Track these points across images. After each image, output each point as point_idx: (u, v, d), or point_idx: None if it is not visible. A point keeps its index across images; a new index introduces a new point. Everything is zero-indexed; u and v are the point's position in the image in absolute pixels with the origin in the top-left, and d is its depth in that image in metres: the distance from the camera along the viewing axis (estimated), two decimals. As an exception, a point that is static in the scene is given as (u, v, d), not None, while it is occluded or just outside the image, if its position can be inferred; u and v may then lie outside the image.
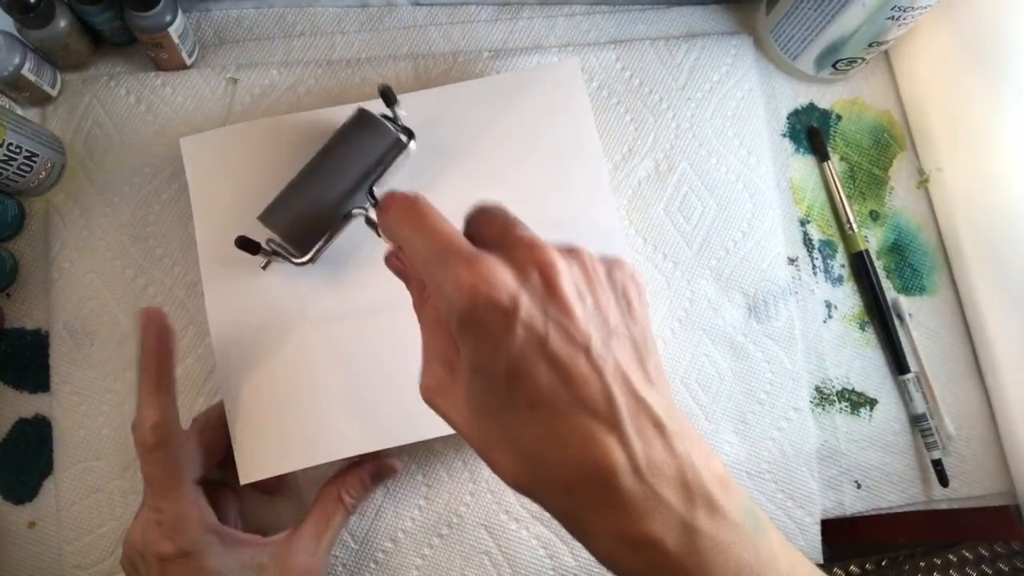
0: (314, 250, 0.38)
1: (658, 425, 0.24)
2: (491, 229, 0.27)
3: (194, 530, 0.33)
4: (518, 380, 0.24)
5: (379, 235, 0.32)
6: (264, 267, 0.40)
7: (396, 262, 0.29)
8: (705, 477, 0.24)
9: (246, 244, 0.38)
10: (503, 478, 0.25)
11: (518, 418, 0.24)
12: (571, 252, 0.26)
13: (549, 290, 0.24)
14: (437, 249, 0.25)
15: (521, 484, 0.25)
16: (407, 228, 0.26)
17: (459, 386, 0.26)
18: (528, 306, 0.23)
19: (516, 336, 0.23)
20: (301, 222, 0.38)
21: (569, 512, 0.25)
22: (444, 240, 0.25)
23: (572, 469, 0.23)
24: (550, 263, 0.24)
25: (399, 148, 0.40)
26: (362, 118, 0.40)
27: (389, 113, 0.40)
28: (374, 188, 0.39)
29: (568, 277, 0.24)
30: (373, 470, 0.40)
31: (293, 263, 0.38)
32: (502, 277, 0.23)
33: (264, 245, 0.38)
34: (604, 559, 0.25)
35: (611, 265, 0.26)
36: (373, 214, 0.34)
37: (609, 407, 0.23)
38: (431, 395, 0.28)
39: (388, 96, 0.40)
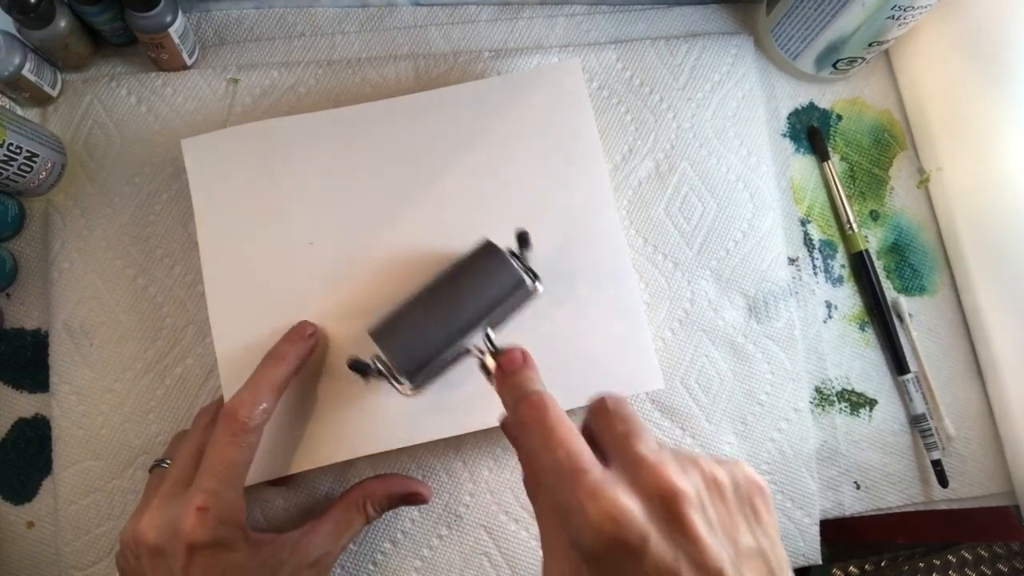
0: (421, 382, 0.37)
1: None
2: (612, 435, 0.27)
3: (236, 522, 0.34)
4: None
5: (491, 383, 0.32)
6: (367, 382, 0.39)
7: (512, 432, 0.30)
8: None
9: (357, 366, 0.36)
10: None
11: None
12: (692, 464, 0.25)
13: (677, 522, 0.23)
14: (562, 467, 0.25)
15: None
16: (534, 433, 0.26)
17: None
18: (657, 541, 0.23)
19: (641, 570, 0.23)
20: (416, 351, 0.35)
21: None
22: (569, 457, 0.25)
23: None
24: (677, 492, 0.23)
25: (526, 293, 0.38)
26: (489, 252, 0.37)
27: (516, 251, 0.38)
28: (491, 331, 0.35)
29: (696, 503, 0.24)
30: (403, 494, 0.40)
31: (397, 390, 0.36)
32: (630, 514, 0.23)
33: (371, 362, 0.36)
34: None
35: (733, 472, 0.26)
36: (489, 360, 0.32)
37: None
38: None
39: (524, 240, 0.37)
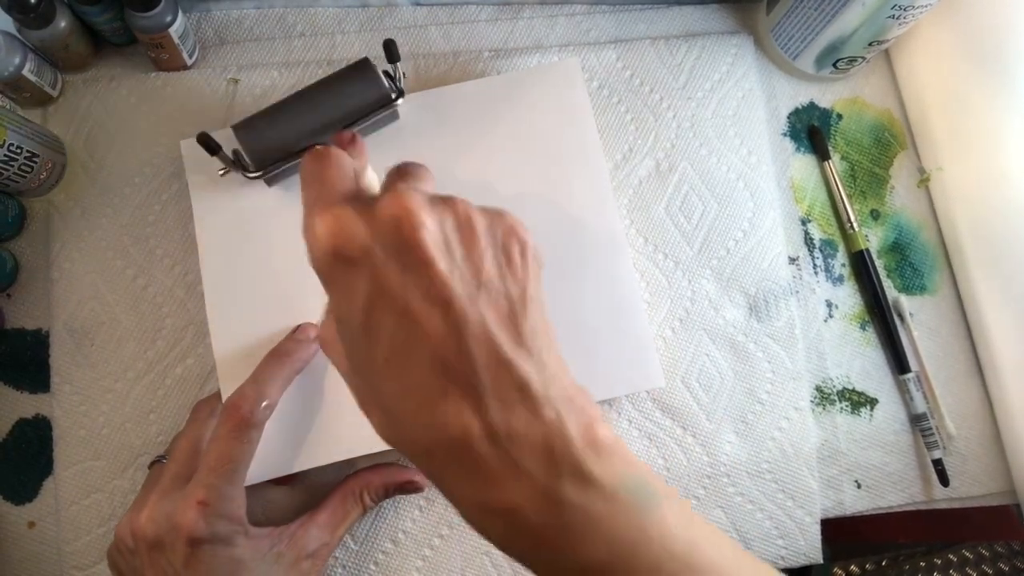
0: (268, 171, 0.39)
1: (523, 389, 0.22)
2: (387, 180, 0.27)
3: (235, 517, 0.34)
4: (370, 333, 0.23)
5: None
6: (222, 174, 0.40)
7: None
8: (577, 446, 0.22)
9: (206, 142, 0.38)
10: (377, 434, 0.25)
11: (376, 372, 0.23)
12: (445, 201, 0.24)
13: (407, 246, 0.22)
14: (313, 196, 0.25)
15: (390, 442, 0.24)
16: (307, 176, 0.26)
17: (342, 339, 0.25)
18: (381, 257, 0.22)
19: (363, 287, 0.22)
20: (267, 141, 0.38)
21: (432, 475, 0.24)
22: (322, 189, 0.25)
23: (427, 431, 0.22)
24: (408, 211, 0.23)
25: (386, 104, 0.39)
26: (361, 65, 0.40)
27: (390, 70, 0.40)
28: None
29: (431, 227, 0.23)
30: (399, 482, 0.40)
31: (246, 176, 0.39)
32: (353, 227, 0.23)
33: (227, 152, 0.39)
34: (470, 524, 0.24)
35: (492, 217, 0.25)
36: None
37: (465, 367, 0.22)
38: (324, 346, 0.27)
39: (391, 51, 0.39)
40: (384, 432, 0.24)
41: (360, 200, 0.24)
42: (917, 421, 0.46)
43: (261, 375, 0.36)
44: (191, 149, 0.41)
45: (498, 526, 0.23)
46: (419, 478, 0.41)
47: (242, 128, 0.39)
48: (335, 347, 0.26)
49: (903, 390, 0.47)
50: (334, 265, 0.23)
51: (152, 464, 0.39)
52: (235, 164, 0.40)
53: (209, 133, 0.38)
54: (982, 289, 0.47)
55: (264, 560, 0.34)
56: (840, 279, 0.48)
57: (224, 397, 0.38)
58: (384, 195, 0.24)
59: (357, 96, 0.39)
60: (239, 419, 0.34)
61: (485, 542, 0.41)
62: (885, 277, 0.49)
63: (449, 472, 0.23)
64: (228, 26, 0.48)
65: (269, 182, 0.40)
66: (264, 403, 0.35)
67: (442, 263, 0.22)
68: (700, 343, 0.45)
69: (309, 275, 0.40)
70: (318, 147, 0.27)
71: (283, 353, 0.37)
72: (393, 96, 0.40)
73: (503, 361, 0.22)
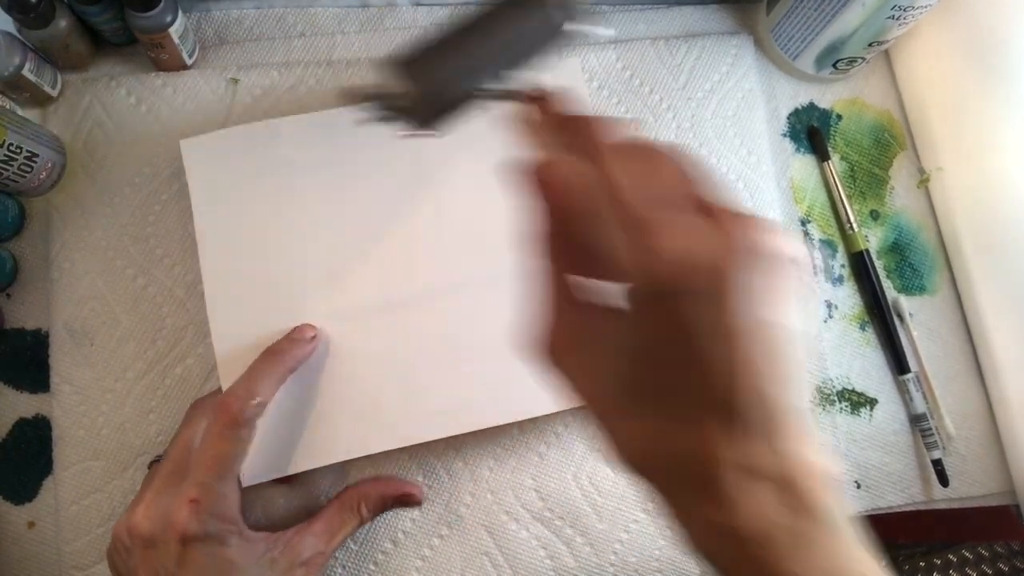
0: (442, 117, 0.31)
1: (771, 421, 0.22)
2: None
3: (228, 517, 0.34)
4: (659, 359, 0.22)
5: (512, 130, 0.26)
6: (402, 135, 0.31)
7: (544, 175, 0.23)
8: (813, 478, 0.22)
9: (376, 94, 0.30)
10: (616, 453, 0.24)
11: (643, 396, 0.23)
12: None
13: (765, 276, 0.21)
14: (650, 196, 0.21)
15: (624, 458, 0.24)
16: (590, 150, 0.22)
17: (599, 355, 0.23)
18: (733, 284, 0.20)
19: (693, 316, 0.21)
20: (445, 81, 0.30)
21: (665, 493, 0.24)
22: (661, 186, 0.21)
23: (672, 456, 0.23)
24: (765, 241, 0.21)
25: (560, 37, 0.31)
26: None
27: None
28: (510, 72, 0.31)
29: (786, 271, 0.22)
30: (396, 495, 0.41)
31: (418, 129, 0.31)
32: (708, 244, 0.20)
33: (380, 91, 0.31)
34: (696, 544, 0.24)
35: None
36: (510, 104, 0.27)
37: (730, 400, 0.22)
38: (559, 354, 0.25)
39: None
40: (622, 449, 0.24)
41: (703, 210, 0.21)
42: (917, 421, 0.46)
43: (253, 373, 0.36)
44: (191, 149, 0.41)
45: (727, 549, 0.23)
46: (416, 491, 0.41)
47: (412, 65, 0.30)
48: (576, 359, 0.24)
49: (903, 390, 0.47)
50: (676, 284, 0.20)
51: (151, 464, 0.39)
52: (395, 110, 0.31)
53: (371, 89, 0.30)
54: (982, 289, 0.47)
55: (258, 564, 0.34)
56: (840, 280, 0.48)
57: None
58: (726, 211, 0.21)
59: (526, 23, 0.31)
60: (229, 417, 0.34)
61: (485, 542, 0.42)
62: (885, 278, 0.49)
63: (685, 494, 0.23)
64: (228, 26, 0.48)
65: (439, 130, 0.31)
66: (255, 401, 0.35)
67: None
68: (700, 343, 0.45)
69: (309, 274, 0.40)
70: (575, 109, 0.23)
71: (277, 352, 0.38)
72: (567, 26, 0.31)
73: (764, 397, 0.22)
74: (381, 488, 0.40)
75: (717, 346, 0.21)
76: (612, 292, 0.23)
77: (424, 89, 0.30)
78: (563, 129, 0.24)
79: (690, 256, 0.20)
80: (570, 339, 0.24)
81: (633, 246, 0.20)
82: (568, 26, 0.32)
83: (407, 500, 0.41)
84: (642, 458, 0.24)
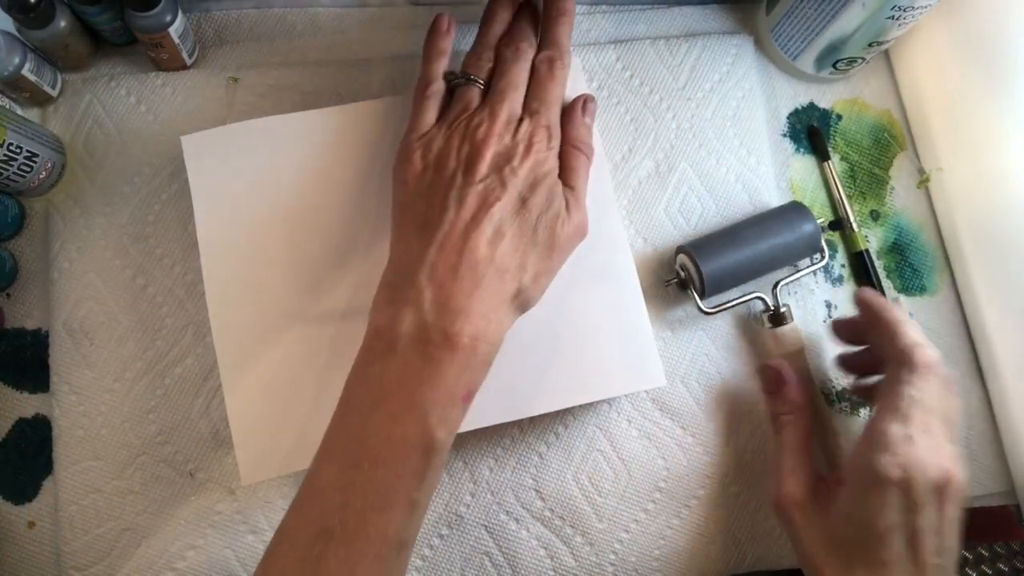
0: (717, 304, 0.44)
1: None
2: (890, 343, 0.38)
3: None
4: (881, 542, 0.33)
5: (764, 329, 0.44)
6: (667, 285, 0.44)
7: (782, 375, 0.42)
8: None
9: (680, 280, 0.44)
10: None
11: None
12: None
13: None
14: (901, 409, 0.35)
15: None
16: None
17: (823, 515, 0.36)
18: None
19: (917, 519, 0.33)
20: (724, 269, 0.42)
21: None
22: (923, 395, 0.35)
23: None
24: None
25: (815, 256, 0.46)
26: (796, 207, 0.44)
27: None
28: (780, 283, 0.44)
29: None
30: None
31: (697, 304, 0.43)
32: (936, 462, 0.33)
33: (679, 271, 0.44)
34: None
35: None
36: (769, 302, 0.44)
37: None
38: (791, 506, 0.37)
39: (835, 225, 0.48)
40: None
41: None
42: (917, 421, 0.46)
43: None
44: (192, 144, 0.41)
45: None
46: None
47: (700, 252, 0.42)
48: (804, 514, 0.37)
49: (903, 390, 0.47)
50: (912, 495, 0.33)
51: (455, 83, 0.40)
52: (684, 284, 0.44)
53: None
54: (982, 289, 0.47)
55: None
56: (840, 280, 0.48)
57: (226, 397, 0.38)
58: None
59: (794, 235, 0.43)
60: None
61: (485, 542, 0.42)
62: (885, 278, 0.49)
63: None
64: (228, 26, 0.48)
65: (711, 311, 0.44)
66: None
67: None
68: (700, 343, 0.45)
69: (311, 273, 0.40)
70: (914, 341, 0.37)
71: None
72: (821, 256, 0.45)
73: None
74: None
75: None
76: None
77: (708, 274, 0.42)
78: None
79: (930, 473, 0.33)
80: (801, 495, 0.37)
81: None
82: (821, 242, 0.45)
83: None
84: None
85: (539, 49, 0.40)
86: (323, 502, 0.30)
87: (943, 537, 0.33)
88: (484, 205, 0.33)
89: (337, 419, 0.32)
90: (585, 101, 0.40)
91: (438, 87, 0.39)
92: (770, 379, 0.42)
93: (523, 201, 0.34)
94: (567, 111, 0.40)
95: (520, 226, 0.34)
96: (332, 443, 0.32)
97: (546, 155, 0.36)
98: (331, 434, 0.32)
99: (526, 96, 0.38)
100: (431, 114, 0.38)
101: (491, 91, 0.38)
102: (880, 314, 0.38)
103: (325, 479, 0.31)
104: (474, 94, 0.38)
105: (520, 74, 0.38)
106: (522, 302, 0.35)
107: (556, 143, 0.37)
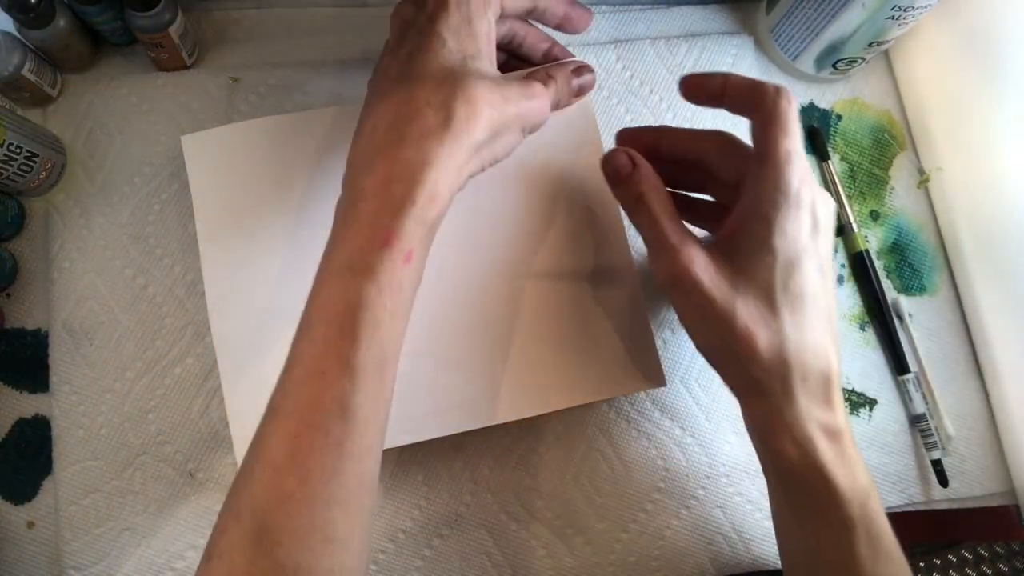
0: None
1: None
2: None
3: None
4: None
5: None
6: None
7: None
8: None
9: None
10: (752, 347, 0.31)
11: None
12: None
13: None
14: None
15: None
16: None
17: (728, 268, 0.32)
18: None
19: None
20: None
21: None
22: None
23: None
24: None
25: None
26: None
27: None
28: None
29: None
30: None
31: None
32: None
33: None
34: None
35: None
36: None
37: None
38: (696, 272, 0.32)
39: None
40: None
41: None
42: (916, 422, 0.46)
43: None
44: (192, 144, 0.41)
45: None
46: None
47: None
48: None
49: (902, 391, 0.47)
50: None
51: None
52: None
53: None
54: (981, 289, 0.47)
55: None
56: (839, 280, 0.48)
57: (226, 397, 0.38)
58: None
59: None
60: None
61: (485, 542, 0.42)
62: (884, 278, 0.49)
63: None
64: (228, 26, 0.48)
65: None
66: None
67: None
68: (700, 343, 0.45)
69: (311, 273, 0.40)
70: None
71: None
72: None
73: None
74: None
75: None
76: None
77: None
78: None
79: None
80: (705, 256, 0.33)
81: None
82: None
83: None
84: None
85: None
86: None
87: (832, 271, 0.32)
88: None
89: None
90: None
91: None
92: (618, 167, 0.35)
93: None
94: None
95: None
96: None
97: None
98: None
99: None
100: None
101: None
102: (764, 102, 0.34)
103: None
104: None
105: None
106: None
107: None
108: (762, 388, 0.32)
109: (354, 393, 0.28)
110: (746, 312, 0.31)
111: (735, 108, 0.35)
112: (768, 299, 0.31)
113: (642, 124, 0.47)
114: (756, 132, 0.33)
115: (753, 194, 0.32)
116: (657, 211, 0.33)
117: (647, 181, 0.34)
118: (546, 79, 0.37)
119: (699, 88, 0.36)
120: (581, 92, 0.40)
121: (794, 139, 0.32)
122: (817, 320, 0.32)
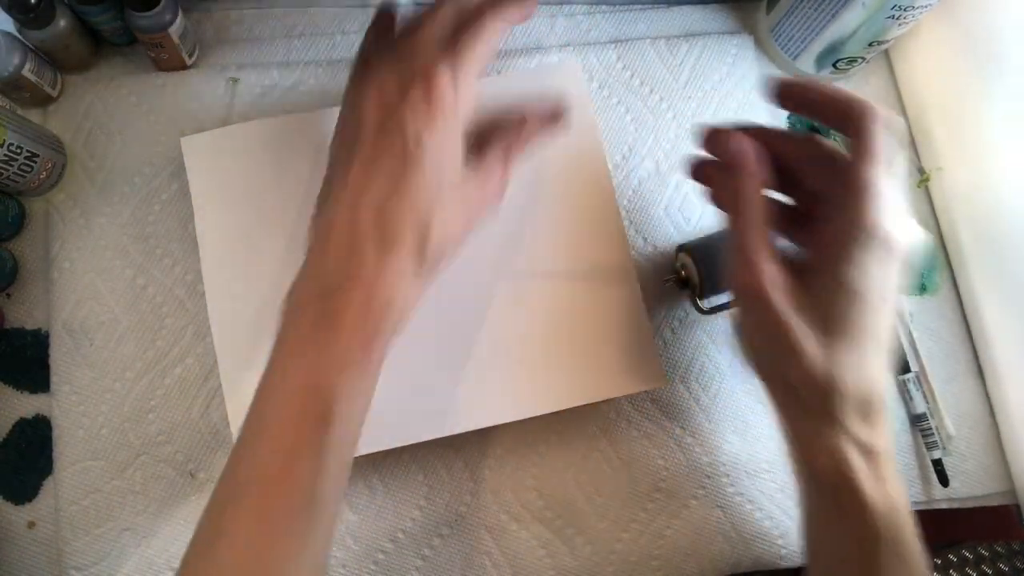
0: (716, 304, 0.42)
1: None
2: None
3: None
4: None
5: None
6: (667, 284, 0.43)
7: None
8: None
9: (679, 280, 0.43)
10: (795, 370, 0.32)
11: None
12: None
13: None
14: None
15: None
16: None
17: (800, 290, 0.32)
18: None
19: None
20: (723, 269, 0.40)
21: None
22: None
23: None
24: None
25: None
26: None
27: None
28: None
29: None
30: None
31: (696, 303, 0.42)
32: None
33: (679, 268, 0.43)
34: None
35: None
36: None
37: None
38: (769, 287, 0.32)
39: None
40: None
41: None
42: (917, 421, 0.46)
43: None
44: (191, 146, 0.41)
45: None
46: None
47: (700, 251, 0.41)
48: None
49: (903, 390, 0.47)
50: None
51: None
52: (683, 283, 0.42)
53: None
54: (982, 289, 0.47)
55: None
56: (840, 279, 0.48)
57: (227, 397, 0.38)
58: None
59: None
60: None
61: (485, 542, 0.42)
62: (885, 277, 0.49)
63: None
64: (228, 26, 0.48)
65: (710, 311, 0.42)
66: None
67: None
68: (699, 344, 0.45)
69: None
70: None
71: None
72: None
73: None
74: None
75: None
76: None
77: (707, 274, 0.41)
78: None
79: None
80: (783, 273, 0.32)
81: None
82: None
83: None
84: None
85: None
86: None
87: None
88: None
89: None
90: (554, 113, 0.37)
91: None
92: (740, 153, 0.34)
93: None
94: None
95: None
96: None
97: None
98: None
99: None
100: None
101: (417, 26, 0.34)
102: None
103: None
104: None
105: (448, 15, 0.34)
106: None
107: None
108: (803, 403, 0.32)
109: (321, 481, 0.29)
110: (803, 333, 0.31)
111: (828, 121, 0.34)
112: (828, 326, 0.31)
113: (642, 123, 0.47)
114: (851, 149, 0.32)
115: (834, 220, 0.32)
116: (752, 217, 0.33)
117: (753, 183, 0.33)
118: (502, 160, 0.36)
119: (790, 93, 0.35)
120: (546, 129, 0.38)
121: (880, 166, 0.31)
122: (873, 355, 0.32)
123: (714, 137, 0.35)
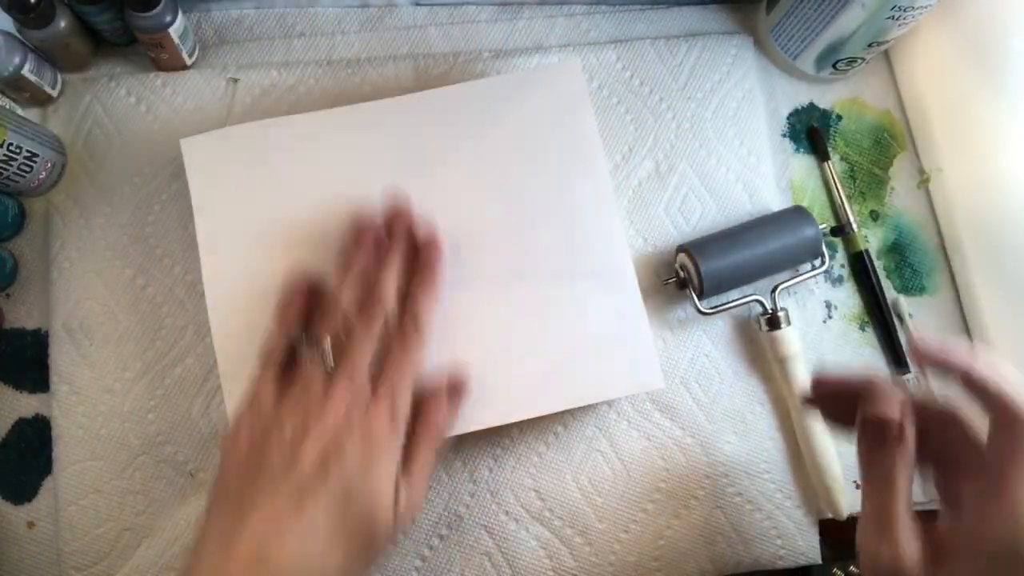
0: (715, 304, 0.44)
1: None
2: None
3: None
4: None
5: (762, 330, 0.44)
6: (666, 284, 0.44)
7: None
8: None
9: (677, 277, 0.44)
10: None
11: None
12: None
13: None
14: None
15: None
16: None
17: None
18: None
19: None
20: (723, 270, 0.42)
21: None
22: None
23: None
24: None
25: (816, 261, 0.45)
26: (799, 212, 0.44)
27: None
28: (779, 287, 0.44)
29: None
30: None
31: (695, 304, 0.43)
32: None
33: (679, 269, 0.44)
34: None
35: None
36: (768, 305, 0.44)
37: None
38: (907, 570, 0.31)
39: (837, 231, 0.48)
40: None
41: None
42: (916, 422, 0.46)
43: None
44: (191, 147, 0.41)
45: None
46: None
47: (700, 252, 0.42)
48: None
49: (902, 391, 0.47)
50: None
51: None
52: (683, 283, 0.43)
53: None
54: (982, 290, 0.47)
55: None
56: (839, 280, 0.48)
57: (226, 398, 0.38)
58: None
59: (799, 248, 0.43)
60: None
61: (485, 542, 0.42)
62: (884, 278, 0.49)
63: None
64: (228, 26, 0.48)
65: (709, 311, 0.44)
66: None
67: None
68: (699, 344, 0.45)
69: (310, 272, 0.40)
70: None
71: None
72: (819, 262, 0.45)
73: None
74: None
75: None
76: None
77: (707, 274, 0.42)
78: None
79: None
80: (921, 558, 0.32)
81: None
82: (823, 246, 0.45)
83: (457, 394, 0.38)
84: None
85: (402, 308, 0.36)
86: None
87: None
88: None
89: None
90: (454, 386, 0.37)
91: (282, 348, 0.36)
92: (889, 426, 0.33)
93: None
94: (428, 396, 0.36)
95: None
96: None
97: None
98: None
99: (379, 369, 0.34)
100: (269, 385, 0.34)
101: (335, 370, 0.34)
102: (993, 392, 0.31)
103: None
104: (316, 375, 0.34)
105: (367, 351, 0.34)
106: None
107: (401, 426, 0.34)
108: None
109: None
110: None
111: (974, 396, 0.32)
112: None
113: (642, 124, 0.47)
114: (991, 436, 0.31)
115: (975, 515, 0.31)
116: (899, 490, 0.32)
117: (908, 456, 0.32)
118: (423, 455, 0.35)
119: (943, 360, 0.33)
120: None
121: None
122: None
123: (871, 393, 0.33)
